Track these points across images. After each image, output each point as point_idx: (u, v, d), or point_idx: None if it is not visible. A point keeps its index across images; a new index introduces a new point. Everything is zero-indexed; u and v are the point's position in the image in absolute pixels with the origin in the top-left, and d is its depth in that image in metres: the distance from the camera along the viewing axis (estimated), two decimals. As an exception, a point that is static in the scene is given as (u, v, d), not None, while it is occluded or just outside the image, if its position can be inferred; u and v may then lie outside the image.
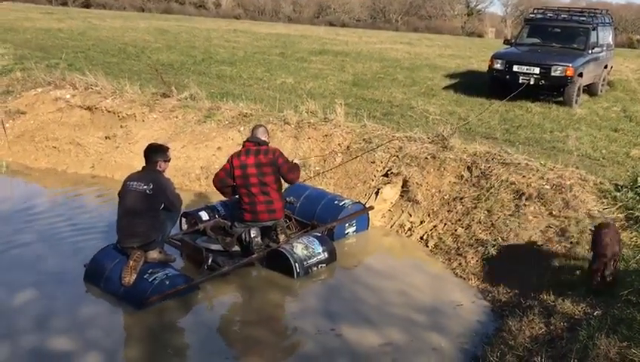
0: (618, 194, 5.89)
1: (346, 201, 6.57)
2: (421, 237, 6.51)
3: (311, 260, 5.57)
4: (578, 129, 9.50)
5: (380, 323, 4.80)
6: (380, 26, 42.28)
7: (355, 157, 7.48)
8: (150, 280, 4.93)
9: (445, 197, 6.72)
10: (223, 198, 6.56)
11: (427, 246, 6.33)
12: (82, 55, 14.64)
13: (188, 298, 5.07)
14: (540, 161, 6.79)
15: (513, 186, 6.33)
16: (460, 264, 5.84)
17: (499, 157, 6.86)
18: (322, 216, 6.36)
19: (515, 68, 11.52)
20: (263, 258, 5.69)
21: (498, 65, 11.79)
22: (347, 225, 6.47)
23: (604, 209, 5.73)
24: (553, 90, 11.71)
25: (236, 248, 5.78)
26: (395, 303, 5.15)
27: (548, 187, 6.14)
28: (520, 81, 11.28)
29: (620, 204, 5.76)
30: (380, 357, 4.32)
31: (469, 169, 6.84)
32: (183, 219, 6.23)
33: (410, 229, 6.67)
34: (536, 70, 11.30)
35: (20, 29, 20.10)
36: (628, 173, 6.54)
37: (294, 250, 5.55)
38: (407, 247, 6.44)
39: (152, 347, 4.48)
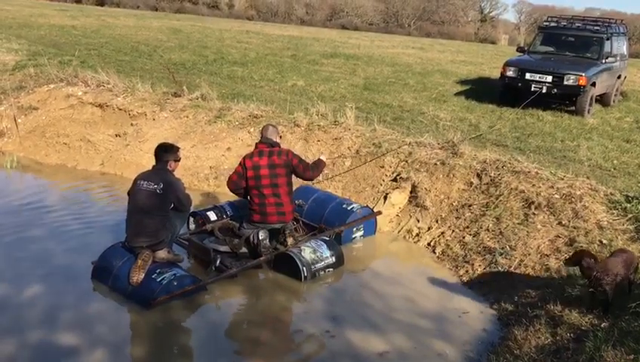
0: (629, 205, 5.84)
1: (355, 205, 6.55)
2: (428, 244, 6.48)
3: (318, 264, 5.56)
4: (590, 139, 9.43)
5: (385, 328, 4.79)
6: (392, 31, 42.27)
7: (365, 163, 7.47)
8: (158, 280, 4.94)
9: (454, 204, 6.70)
10: (231, 198, 6.58)
11: (434, 253, 6.30)
12: (95, 52, 14.74)
13: (195, 298, 5.08)
14: (551, 170, 6.75)
15: (523, 195, 6.29)
16: (466, 271, 5.81)
17: (509, 165, 6.82)
18: (330, 219, 6.35)
19: (528, 76, 11.47)
20: (271, 260, 5.69)
21: (510, 73, 11.74)
22: (355, 229, 6.45)
23: (614, 220, 5.68)
24: (565, 99, 11.65)
25: (244, 250, 5.78)
26: (401, 309, 5.13)
27: (558, 196, 6.10)
28: (532, 90, 11.24)
29: (631, 215, 5.71)
30: (384, 363, 4.30)
31: (479, 176, 6.81)
32: (191, 219, 6.24)
33: (417, 235, 6.65)
34: (549, 78, 11.25)
35: (34, 26, 20.25)
36: (639, 185, 6.48)
37: (302, 253, 5.55)
38: (414, 253, 6.42)
39: (158, 345, 4.49)
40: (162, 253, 5.21)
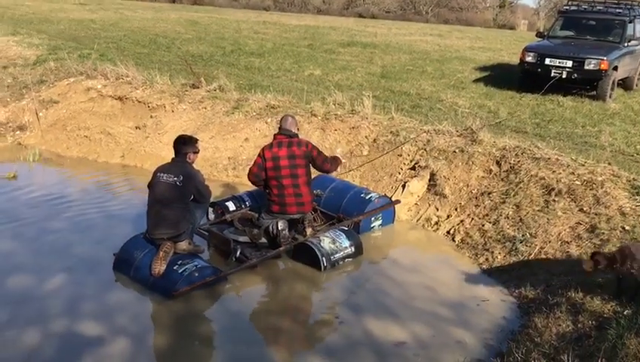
0: (652, 191, 5.75)
1: (373, 195, 6.54)
2: (448, 232, 6.46)
3: (337, 254, 5.57)
4: (612, 124, 9.30)
5: (404, 317, 4.79)
6: (409, 18, 41.85)
7: (384, 154, 7.43)
8: (180, 271, 4.98)
9: (473, 192, 6.65)
10: (249, 188, 6.62)
11: (454, 241, 6.28)
12: (114, 46, 14.83)
13: (215, 288, 5.12)
14: (571, 156, 6.67)
15: (543, 181, 6.23)
16: (486, 259, 5.78)
17: (529, 152, 6.75)
18: (348, 209, 6.35)
19: (548, 61, 11.30)
20: (290, 250, 5.71)
21: (530, 59, 11.58)
22: (373, 218, 6.44)
23: (636, 206, 5.59)
24: (586, 84, 11.47)
25: (263, 240, 5.81)
26: (420, 297, 5.13)
27: (578, 183, 6.03)
28: (552, 75, 11.07)
29: (654, 201, 5.62)
30: (403, 351, 4.30)
31: (498, 163, 6.75)
32: (210, 209, 6.28)
33: (436, 223, 6.63)
34: (569, 63, 11.07)
35: (54, 20, 20.44)
36: (663, 170, 6.38)
37: (321, 243, 5.56)
38: (434, 242, 6.40)
39: (180, 335, 4.54)
40: (183, 245, 5.26)
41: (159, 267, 4.97)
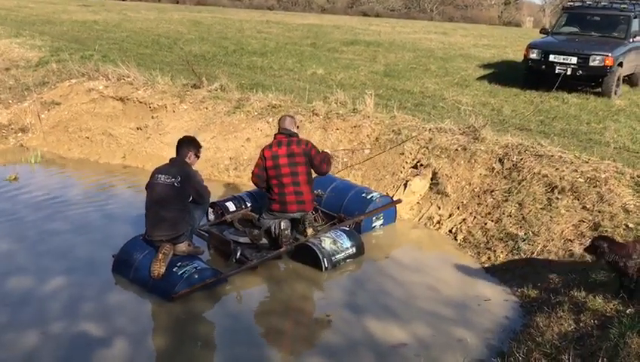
0: (656, 188, 5.68)
1: (374, 194, 6.49)
2: (450, 231, 6.40)
3: (339, 255, 5.53)
4: (617, 120, 9.22)
5: (406, 316, 4.75)
6: (414, 16, 41.72)
7: (384, 151, 7.39)
8: (180, 273, 4.95)
9: (475, 190, 6.60)
10: (249, 189, 6.59)
11: (456, 240, 6.22)
12: (116, 46, 14.86)
13: (215, 289, 5.09)
14: (575, 153, 6.60)
15: (546, 179, 6.17)
16: (489, 258, 5.73)
17: (531, 150, 6.69)
18: (349, 208, 6.31)
19: (552, 58, 11.22)
20: (291, 251, 5.68)
21: (534, 55, 11.50)
22: (374, 218, 6.40)
23: (640, 203, 5.53)
24: (591, 81, 11.39)
25: (263, 241, 5.78)
26: (422, 297, 5.09)
27: (582, 180, 5.97)
28: (556, 72, 11.01)
29: (658, 198, 5.55)
30: (405, 351, 4.26)
31: (501, 161, 6.69)
32: (210, 210, 6.25)
33: (438, 222, 6.57)
34: (574, 60, 10.99)
35: (57, 22, 20.48)
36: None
37: (322, 244, 5.52)
38: (436, 240, 6.35)
39: (180, 336, 4.51)
40: (183, 246, 5.22)
41: (159, 269, 4.93)
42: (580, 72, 10.98)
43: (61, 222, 6.49)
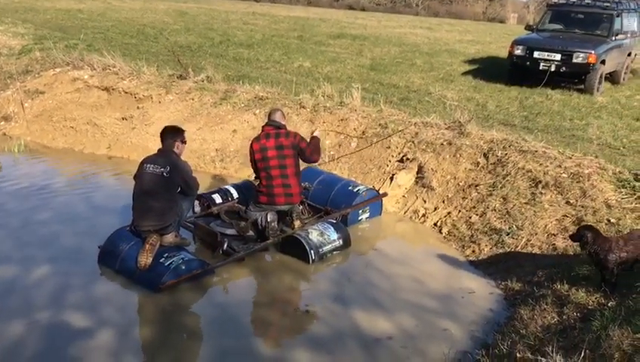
0: (638, 184, 5.78)
1: (360, 188, 6.53)
2: (435, 224, 6.47)
3: (326, 247, 5.56)
4: (599, 117, 9.35)
5: (391, 308, 4.80)
6: (400, 11, 41.78)
7: (371, 145, 7.42)
8: (167, 264, 4.94)
9: (460, 184, 6.66)
10: (236, 181, 6.60)
11: (441, 233, 6.29)
12: (101, 36, 14.68)
13: (202, 280, 5.10)
14: (559, 149, 6.69)
15: (530, 174, 6.25)
16: (473, 251, 5.80)
17: (516, 145, 6.77)
18: (336, 201, 6.34)
19: (536, 54, 11.34)
20: (278, 243, 5.69)
21: (519, 52, 11.61)
22: (360, 211, 6.44)
23: (622, 198, 5.63)
24: (574, 78, 11.52)
25: (250, 233, 5.78)
26: (407, 289, 5.14)
27: (565, 175, 6.06)
28: (540, 68, 11.15)
29: (639, 193, 5.65)
30: (390, 343, 4.31)
31: (486, 156, 6.76)
32: (196, 202, 6.23)
33: (424, 215, 6.63)
34: (558, 57, 11.12)
35: (40, 10, 20.17)
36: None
37: (310, 236, 5.55)
38: (421, 233, 6.40)
39: (166, 327, 4.52)
40: (170, 237, 5.21)
41: (145, 259, 4.92)
42: (564, 68, 11.11)
43: (46, 212, 6.44)
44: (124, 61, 10.34)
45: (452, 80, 12.25)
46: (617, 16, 12.09)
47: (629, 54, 13.11)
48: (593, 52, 10.91)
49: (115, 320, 4.53)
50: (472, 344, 4.28)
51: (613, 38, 11.83)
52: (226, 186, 6.62)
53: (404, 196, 6.95)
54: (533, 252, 5.44)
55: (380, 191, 6.78)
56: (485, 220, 6.05)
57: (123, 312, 4.69)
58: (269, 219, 5.68)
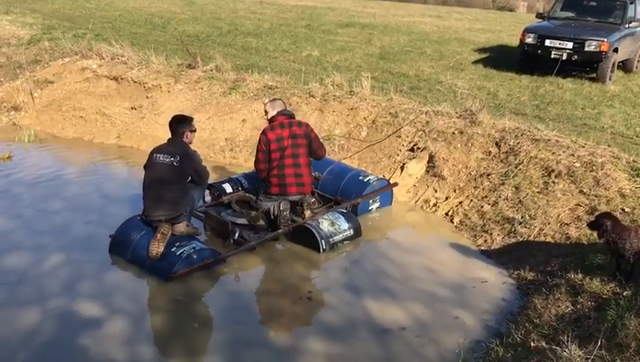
0: (652, 173, 5.72)
1: (371, 177, 6.49)
2: (446, 213, 6.42)
3: (336, 237, 5.54)
4: (611, 106, 9.25)
5: (403, 297, 4.78)
6: (408, -1, 41.47)
7: (385, 139, 7.35)
8: (178, 253, 4.92)
9: (472, 173, 6.61)
10: (246, 170, 6.58)
11: (452, 223, 6.25)
12: (109, 25, 14.67)
13: (213, 269, 5.09)
14: (571, 138, 6.63)
15: (542, 163, 6.19)
16: (485, 241, 5.76)
17: (528, 133, 6.71)
18: (347, 191, 6.31)
19: (548, 42, 11.21)
20: (288, 232, 5.68)
21: (530, 40, 11.48)
22: (371, 201, 6.41)
23: (636, 187, 5.57)
24: (586, 66, 11.40)
25: (261, 222, 5.77)
26: (419, 278, 5.12)
27: (578, 164, 5.99)
28: (552, 56, 11.03)
29: (653, 182, 5.60)
30: (402, 331, 4.29)
31: (498, 145, 6.71)
32: (207, 191, 6.22)
33: (435, 205, 6.59)
34: (570, 45, 10.98)
35: (48, -1, 20.20)
36: (663, 152, 6.35)
37: (320, 226, 5.52)
38: (432, 223, 6.37)
39: (177, 316, 4.53)
40: (181, 227, 5.20)
41: (157, 249, 4.91)
42: (576, 57, 10.98)
43: (56, 201, 6.46)
44: (133, 50, 10.32)
45: (462, 68, 12.15)
46: (631, 3, 11.93)
47: (642, 42, 12.95)
48: (606, 40, 10.78)
49: (127, 308, 4.54)
50: (486, 333, 4.25)
51: (627, 26, 11.67)
52: (237, 176, 6.60)
53: (414, 185, 6.91)
54: (546, 241, 5.40)
55: (391, 181, 6.75)
56: (497, 209, 6.00)
57: (134, 301, 4.70)
58: (280, 208, 5.65)
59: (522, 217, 5.74)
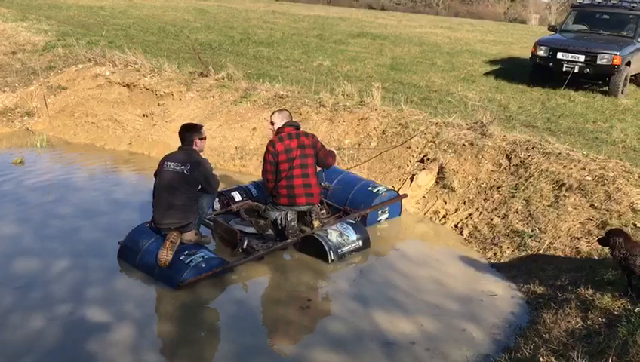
0: (664, 188, 5.67)
1: (380, 188, 6.48)
2: (455, 225, 6.39)
3: (345, 248, 5.53)
4: (623, 120, 9.20)
5: (411, 309, 4.75)
6: (420, 10, 41.63)
7: (394, 147, 7.35)
8: (187, 261, 4.93)
9: (482, 186, 6.58)
10: (256, 179, 6.58)
11: (461, 235, 6.22)
12: (122, 33, 14.81)
13: (221, 278, 5.09)
14: (582, 152, 6.59)
15: (553, 176, 6.15)
16: (494, 254, 5.72)
17: (539, 146, 6.67)
18: (355, 201, 6.30)
19: (560, 55, 11.18)
20: (297, 242, 5.67)
21: (542, 52, 11.46)
22: (380, 212, 6.39)
23: (648, 203, 5.52)
24: (598, 79, 11.36)
25: (270, 231, 5.77)
26: (428, 290, 5.08)
27: (589, 178, 5.95)
28: (564, 69, 11.00)
29: (666, 198, 5.54)
30: (410, 344, 4.26)
31: (508, 157, 6.68)
32: (216, 199, 6.23)
33: (444, 217, 6.57)
34: (582, 58, 10.95)
35: (63, 6, 20.42)
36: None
37: (329, 236, 5.51)
38: (441, 235, 6.34)
39: (185, 323, 4.52)
40: (190, 235, 5.21)
41: (166, 257, 4.92)
42: (588, 70, 10.94)
43: (67, 207, 6.50)
44: (146, 58, 10.41)
45: (473, 80, 12.14)
46: (644, 16, 11.88)
47: (655, 56, 12.87)
48: (618, 53, 10.73)
49: (134, 315, 4.55)
50: (495, 347, 4.21)
51: (639, 40, 11.62)
52: (246, 184, 6.62)
53: (424, 197, 6.89)
54: (557, 255, 5.35)
55: (400, 192, 6.73)
56: (507, 222, 5.97)
57: (142, 308, 4.71)
58: (288, 218, 5.65)
59: (532, 230, 5.70)
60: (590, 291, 4.45)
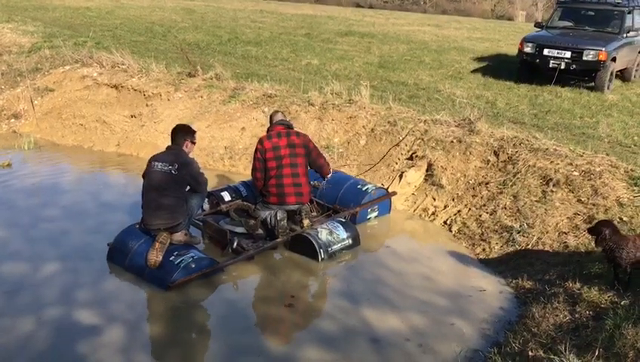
0: (649, 182, 5.74)
1: (369, 186, 6.50)
2: (445, 222, 6.43)
3: (335, 246, 5.54)
4: (609, 115, 9.27)
5: (401, 306, 4.77)
6: (407, 8, 41.64)
7: (385, 154, 7.36)
8: (176, 262, 4.92)
9: (470, 182, 6.62)
10: (245, 179, 6.58)
11: (450, 231, 6.26)
12: (109, 34, 14.73)
13: (212, 278, 5.09)
14: (569, 147, 6.64)
15: (540, 172, 6.20)
16: (483, 249, 5.76)
17: (526, 143, 6.72)
18: (345, 200, 6.32)
19: (546, 52, 11.24)
20: (287, 241, 5.68)
21: (528, 49, 11.52)
22: (369, 210, 6.41)
23: (634, 196, 5.58)
24: (584, 75, 11.41)
25: (260, 231, 5.77)
26: (418, 287, 5.11)
27: (576, 173, 6.01)
28: (550, 66, 11.07)
29: (651, 191, 5.61)
30: (400, 340, 4.29)
31: (496, 153, 6.72)
32: (205, 199, 6.22)
33: (433, 213, 6.60)
34: (568, 54, 11.02)
35: (49, 8, 20.26)
36: (660, 161, 6.36)
37: (319, 235, 5.53)
38: (430, 232, 6.37)
39: (175, 324, 4.52)
40: (180, 236, 5.20)
41: (155, 258, 4.91)
42: (574, 66, 11.02)
43: (55, 209, 6.47)
44: (133, 59, 10.37)
45: (461, 77, 12.19)
46: (629, 12, 11.96)
47: (640, 52, 12.99)
48: (604, 49, 10.81)
49: (124, 317, 4.54)
50: (484, 342, 4.25)
51: (625, 35, 11.71)
52: (235, 184, 6.62)
53: (413, 194, 6.92)
54: (545, 250, 5.41)
55: (389, 190, 6.76)
56: (496, 218, 6.01)
57: (132, 309, 4.70)
58: (278, 218, 5.66)
59: (520, 226, 5.75)
60: (578, 285, 4.50)
